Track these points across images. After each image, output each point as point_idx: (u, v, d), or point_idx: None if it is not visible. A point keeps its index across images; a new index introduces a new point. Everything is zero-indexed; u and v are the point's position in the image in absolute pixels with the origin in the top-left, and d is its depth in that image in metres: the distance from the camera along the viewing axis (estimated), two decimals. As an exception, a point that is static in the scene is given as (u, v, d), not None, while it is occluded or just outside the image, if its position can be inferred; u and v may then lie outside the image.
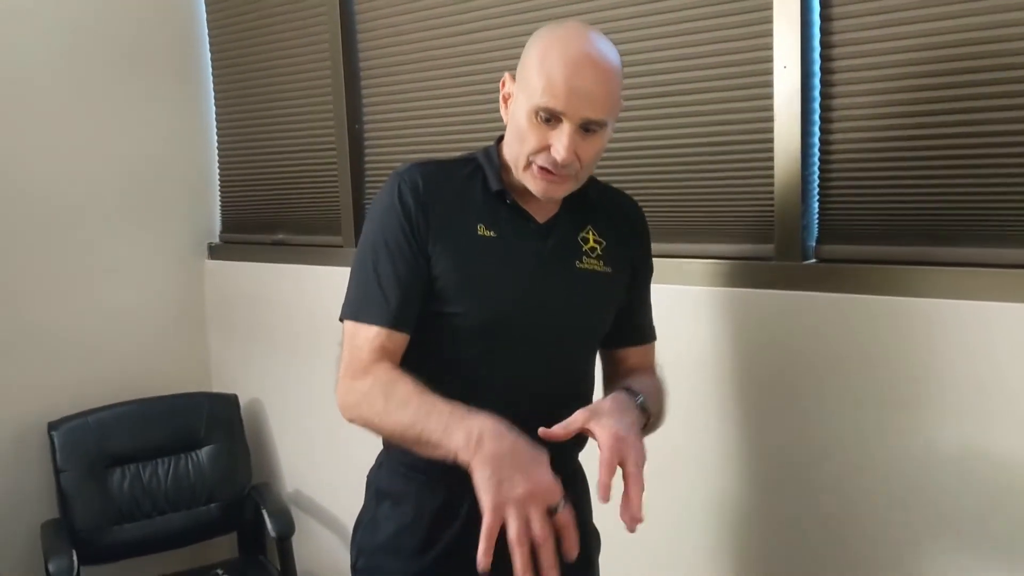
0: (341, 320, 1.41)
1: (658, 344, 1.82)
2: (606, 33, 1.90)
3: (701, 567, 1.90)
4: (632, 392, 1.36)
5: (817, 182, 1.70)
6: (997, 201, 1.50)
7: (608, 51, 1.32)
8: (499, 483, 1.13)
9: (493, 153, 1.44)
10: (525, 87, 1.32)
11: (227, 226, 3.06)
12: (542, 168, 1.33)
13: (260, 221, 2.92)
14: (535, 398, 1.40)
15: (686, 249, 1.88)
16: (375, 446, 1.53)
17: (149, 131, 2.89)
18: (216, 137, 3.03)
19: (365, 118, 2.54)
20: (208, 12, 2.96)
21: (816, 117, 1.68)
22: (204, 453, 2.72)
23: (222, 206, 3.07)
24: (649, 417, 1.38)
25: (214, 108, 3.01)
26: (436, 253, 1.37)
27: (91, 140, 2.77)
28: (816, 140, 1.69)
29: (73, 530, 2.53)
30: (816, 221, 1.71)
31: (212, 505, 2.70)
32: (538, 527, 1.12)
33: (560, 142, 1.29)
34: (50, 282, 2.72)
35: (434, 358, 1.40)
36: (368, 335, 1.35)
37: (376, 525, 1.49)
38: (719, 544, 1.87)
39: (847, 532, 1.67)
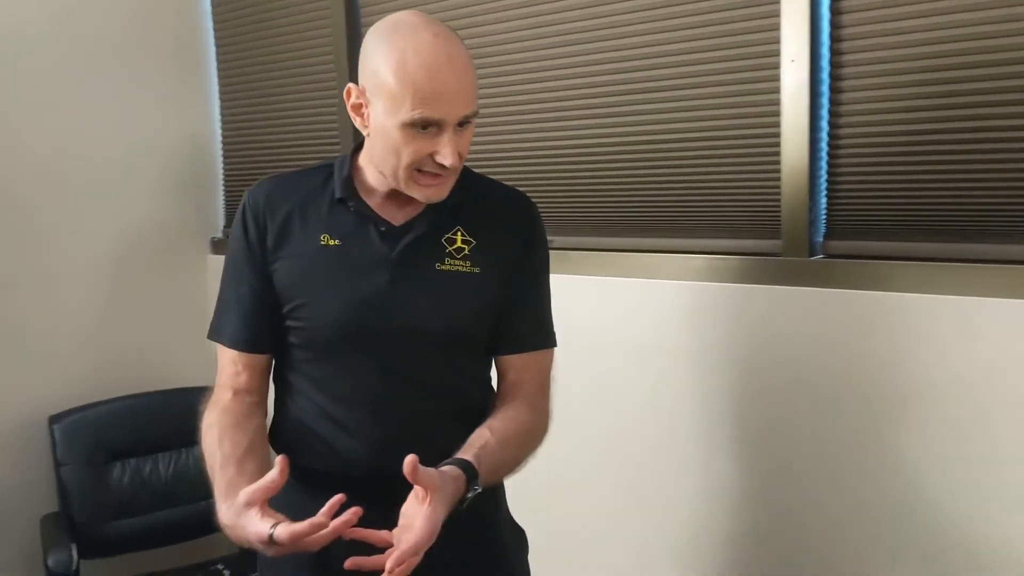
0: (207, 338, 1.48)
1: (666, 338, 1.81)
2: (614, 27, 1.92)
3: (694, 560, 1.89)
4: (471, 475, 1.26)
5: (825, 177, 1.69)
6: (1007, 197, 1.49)
7: (454, 39, 1.29)
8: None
9: (346, 161, 1.42)
10: (385, 98, 1.26)
11: (230, 220, 3.05)
12: (428, 174, 1.30)
13: (263, 215, 2.90)
14: (409, 410, 1.38)
15: (692, 244, 1.86)
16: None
17: (153, 124, 2.87)
18: (220, 130, 3.02)
19: (369, 112, 2.53)
20: (212, 4, 2.95)
21: (824, 112, 1.67)
22: (205, 447, 2.71)
23: (226, 200, 3.06)
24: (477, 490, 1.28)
25: (218, 102, 3.00)
26: (276, 268, 1.39)
27: (93, 132, 2.76)
28: (824, 135, 1.67)
29: (73, 523, 2.51)
30: (823, 216, 1.70)
31: (213, 500, 2.68)
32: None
33: (446, 148, 1.27)
34: (51, 275, 2.71)
35: (299, 373, 1.42)
36: (226, 357, 1.44)
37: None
38: (715, 535, 1.86)
39: (847, 531, 1.66)
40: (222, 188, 3.06)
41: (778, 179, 1.71)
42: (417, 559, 1.17)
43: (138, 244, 2.88)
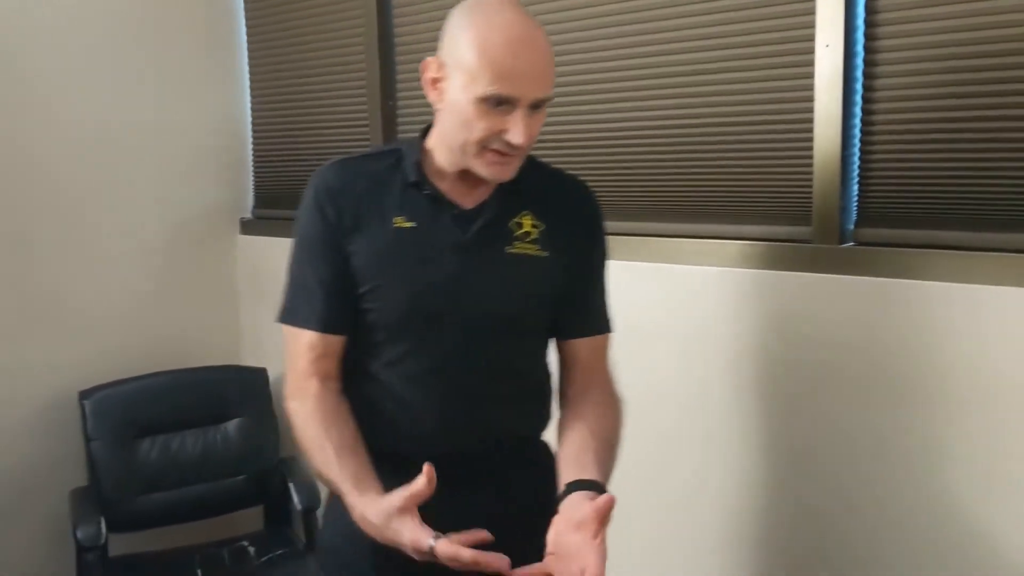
0: (278, 322, 1.45)
1: (693, 327, 1.81)
2: (645, 11, 1.91)
3: (710, 550, 1.89)
4: (589, 487, 1.28)
5: (857, 164, 1.67)
6: (1044, 186, 1.47)
7: (535, 24, 1.31)
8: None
9: (415, 144, 1.43)
10: (463, 73, 1.29)
11: (260, 201, 3.07)
12: (495, 151, 1.31)
13: (293, 197, 2.88)
14: (476, 393, 1.41)
15: (723, 230, 1.86)
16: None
17: (184, 104, 2.90)
18: (250, 112, 3.04)
19: (399, 95, 2.53)
20: (245, -13, 2.97)
21: (858, 98, 1.65)
22: (232, 426, 2.74)
23: (255, 181, 3.07)
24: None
25: (248, 83, 3.02)
26: (353, 250, 1.39)
27: (125, 113, 2.78)
28: (857, 121, 1.66)
29: (102, 498, 2.55)
30: (855, 204, 1.69)
31: (239, 477, 2.72)
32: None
33: (517, 127, 1.28)
34: (84, 254, 2.74)
35: (369, 355, 1.42)
36: (303, 341, 1.41)
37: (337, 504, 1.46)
38: (739, 524, 1.86)
39: (872, 522, 1.65)
40: (251, 170, 3.08)
41: (810, 166, 1.70)
42: None
43: (170, 225, 2.91)
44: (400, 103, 2.54)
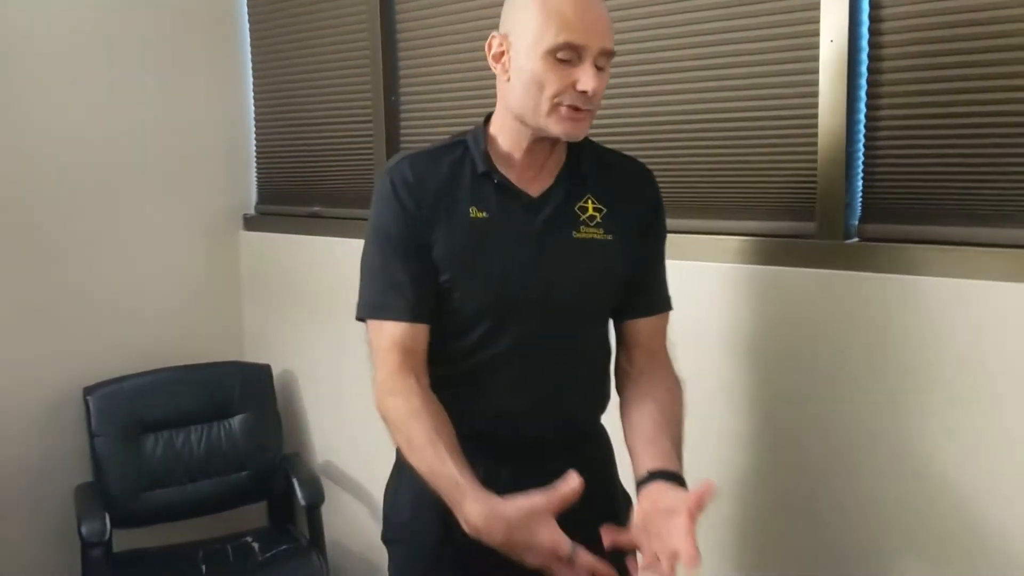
0: (359, 319, 1.45)
1: (696, 323, 1.81)
2: (647, 7, 1.90)
3: (715, 544, 1.89)
4: (671, 478, 1.31)
5: (862, 159, 1.67)
6: (1049, 181, 1.47)
7: None
8: (514, 555, 1.25)
9: (480, 134, 1.45)
10: (529, 35, 1.33)
11: (263, 197, 3.07)
12: (570, 107, 1.34)
13: (296, 193, 2.92)
14: (549, 376, 1.44)
15: (726, 226, 1.85)
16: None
17: (187, 100, 2.90)
18: (253, 108, 3.04)
19: (401, 91, 2.53)
20: (248, -17, 2.96)
21: (862, 93, 1.65)
22: (236, 422, 2.74)
23: (258, 177, 3.08)
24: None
25: (251, 78, 3.02)
26: (434, 241, 1.41)
27: (128, 108, 2.79)
28: (862, 116, 1.65)
29: (106, 493, 2.56)
30: (859, 199, 1.68)
31: (243, 473, 2.72)
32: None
33: (586, 74, 1.31)
34: (87, 249, 2.75)
35: (446, 344, 1.44)
36: (391, 333, 1.40)
37: (398, 495, 1.53)
38: (737, 522, 1.86)
39: (868, 517, 1.65)
40: (254, 166, 3.08)
41: (814, 160, 1.70)
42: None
43: (173, 221, 2.91)
44: (403, 99, 2.53)
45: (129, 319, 2.82)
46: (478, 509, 1.26)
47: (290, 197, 2.94)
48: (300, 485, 2.61)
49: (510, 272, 1.41)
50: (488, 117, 1.47)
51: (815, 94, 1.68)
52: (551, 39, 1.30)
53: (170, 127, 2.87)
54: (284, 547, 2.59)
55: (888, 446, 1.63)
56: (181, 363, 2.80)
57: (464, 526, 1.28)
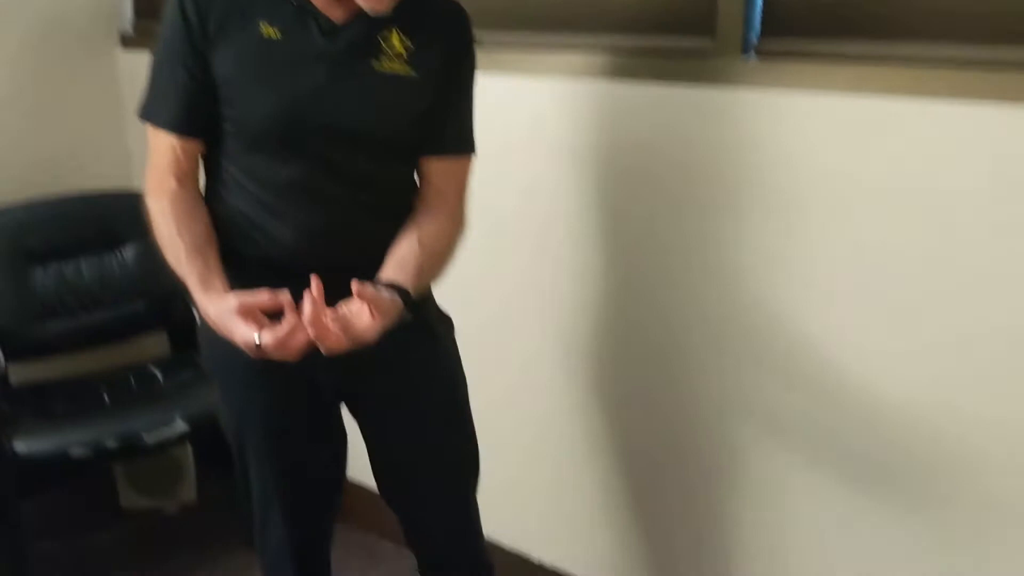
0: (140, 118, 1.47)
1: (581, 141, 1.80)
2: None
3: (541, 355, 1.97)
4: (407, 300, 1.38)
5: (762, -30, 1.63)
6: (943, -6, 1.47)
7: None
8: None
9: None
10: None
11: (140, 12, 2.87)
12: None
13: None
14: (345, 206, 1.45)
15: (618, 42, 1.81)
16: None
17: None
18: (122, -88, 2.79)
19: None
20: None
21: (765, -102, 1.60)
22: (128, 251, 2.66)
23: (133, -10, 2.87)
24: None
25: None
26: (218, 57, 1.38)
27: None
28: (764, -76, 1.61)
29: (-3, 327, 2.49)
30: (759, 13, 1.66)
31: (139, 302, 2.68)
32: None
33: None
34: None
35: (234, 163, 1.44)
36: (162, 141, 1.44)
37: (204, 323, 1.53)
38: (570, 350, 1.94)
39: (710, 349, 1.73)
40: (128, -23, 2.86)
41: (714, -28, 1.66)
42: (340, 344, 1.28)
43: (42, 41, 2.70)
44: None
45: (6, 148, 2.66)
46: (201, 307, 1.39)
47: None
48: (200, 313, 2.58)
49: (297, 95, 1.38)
50: None
51: (718, -100, 1.62)
52: None
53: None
54: (188, 374, 2.58)
55: (763, 269, 1.68)
56: (64, 192, 2.67)
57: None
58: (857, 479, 1.67)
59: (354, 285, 1.25)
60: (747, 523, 1.84)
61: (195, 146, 1.45)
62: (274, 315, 1.32)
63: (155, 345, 2.80)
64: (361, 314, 1.29)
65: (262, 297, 1.30)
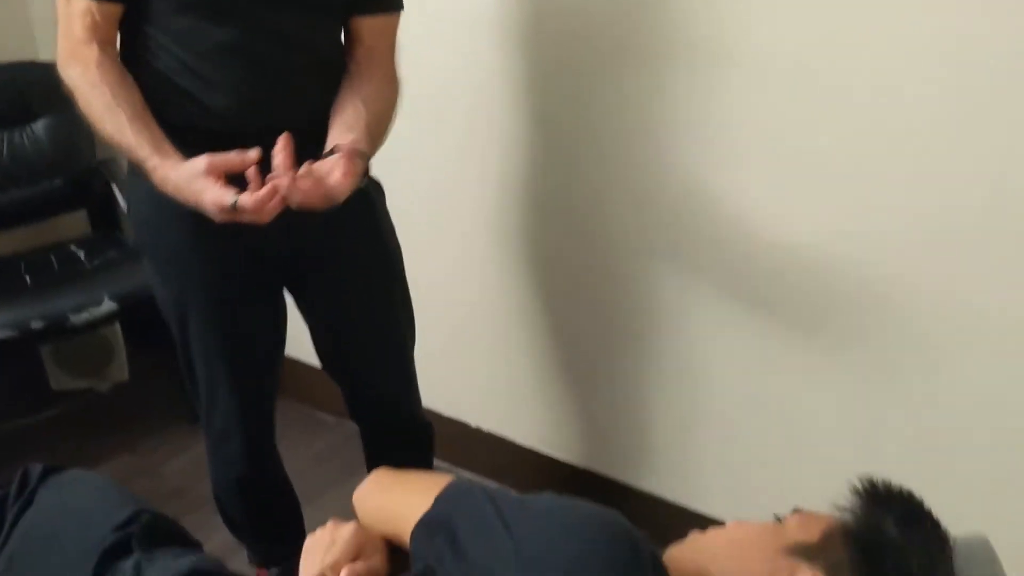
0: None
1: (514, 6, 1.75)
2: None
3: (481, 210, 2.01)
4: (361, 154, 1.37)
5: None
6: None
7: None
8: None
9: None
10: None
11: None
12: None
13: None
14: (279, 68, 1.42)
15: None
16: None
17: None
18: None
19: None
20: None
21: None
22: (39, 126, 2.53)
23: None
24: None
25: None
26: None
27: None
28: None
29: (-96, 208, 2.38)
30: None
31: (55, 180, 2.57)
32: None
33: None
34: None
35: (159, 28, 1.38)
36: (77, 6, 1.36)
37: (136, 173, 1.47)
38: (499, 209, 1.96)
39: (627, 207, 1.75)
40: None
41: None
42: (312, 202, 1.28)
43: None
44: None
45: None
46: (157, 173, 1.33)
47: None
48: (120, 190, 2.49)
49: None
50: None
51: None
52: None
53: None
54: (111, 253, 2.52)
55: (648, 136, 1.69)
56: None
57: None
58: (773, 326, 1.72)
59: (335, 141, 1.26)
60: (668, 384, 1.91)
61: (114, 10, 1.38)
62: (232, 180, 1.28)
63: (75, 224, 2.72)
64: (334, 171, 1.28)
65: (231, 157, 1.27)
